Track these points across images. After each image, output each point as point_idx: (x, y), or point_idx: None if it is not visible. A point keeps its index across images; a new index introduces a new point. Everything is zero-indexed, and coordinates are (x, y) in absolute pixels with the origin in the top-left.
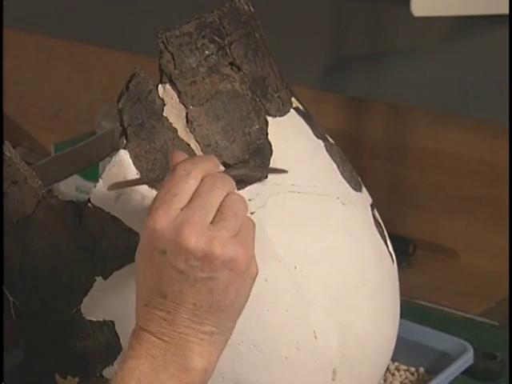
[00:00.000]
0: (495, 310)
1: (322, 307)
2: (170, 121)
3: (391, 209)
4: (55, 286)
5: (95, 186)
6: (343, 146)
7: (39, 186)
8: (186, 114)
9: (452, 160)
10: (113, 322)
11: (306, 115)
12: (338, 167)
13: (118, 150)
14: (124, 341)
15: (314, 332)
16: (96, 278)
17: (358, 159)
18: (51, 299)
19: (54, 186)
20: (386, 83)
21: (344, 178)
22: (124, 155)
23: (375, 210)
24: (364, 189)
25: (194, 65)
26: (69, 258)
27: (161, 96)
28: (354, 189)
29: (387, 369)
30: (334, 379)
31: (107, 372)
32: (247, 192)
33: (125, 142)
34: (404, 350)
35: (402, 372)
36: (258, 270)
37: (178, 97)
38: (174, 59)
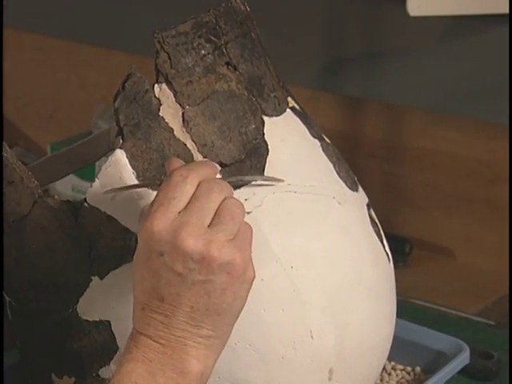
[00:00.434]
0: (491, 310)
1: (319, 307)
2: (167, 120)
3: (388, 208)
4: (51, 286)
5: (91, 186)
6: (340, 146)
7: (35, 186)
8: (183, 113)
9: (449, 160)
10: (109, 322)
11: (302, 115)
12: (335, 167)
13: (114, 149)
14: (120, 341)
15: (311, 331)
16: (92, 277)
17: (355, 159)
18: (47, 299)
19: (51, 185)
20: (382, 83)
21: (340, 177)
22: (120, 155)
23: (371, 210)
24: (360, 188)
25: (190, 64)
26: (65, 257)
27: (157, 96)
28: (351, 188)
29: (384, 368)
30: (330, 379)
31: (103, 372)
32: (244, 192)
33: (121, 141)
34: (400, 350)
35: (398, 371)
36: (255, 273)
37: (175, 96)
38: (170, 59)
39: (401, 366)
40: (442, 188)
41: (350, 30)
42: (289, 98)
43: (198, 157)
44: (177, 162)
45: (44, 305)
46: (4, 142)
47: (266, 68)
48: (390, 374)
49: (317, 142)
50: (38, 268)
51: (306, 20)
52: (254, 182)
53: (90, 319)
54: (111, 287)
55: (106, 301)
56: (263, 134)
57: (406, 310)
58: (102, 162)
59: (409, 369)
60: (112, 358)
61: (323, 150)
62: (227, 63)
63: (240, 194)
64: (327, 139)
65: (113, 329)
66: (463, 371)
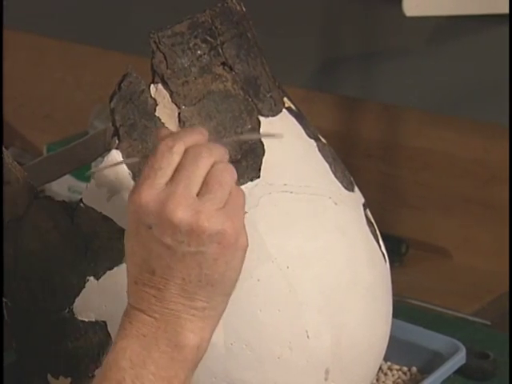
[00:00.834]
0: (488, 310)
1: (315, 307)
2: (163, 121)
3: (384, 208)
4: (47, 287)
5: (87, 186)
6: (336, 146)
7: (31, 187)
8: (179, 113)
9: (445, 160)
10: (105, 322)
11: (298, 115)
12: (331, 167)
13: (110, 150)
14: None
15: (307, 332)
16: (88, 278)
17: (351, 159)
18: (43, 299)
19: (47, 186)
20: (378, 83)
21: (336, 177)
22: (116, 155)
23: (367, 210)
24: (356, 188)
25: (186, 65)
26: (61, 258)
27: (153, 96)
28: (347, 188)
29: (380, 368)
30: (326, 379)
31: (99, 372)
32: None
33: (117, 142)
34: (396, 350)
35: (394, 371)
36: (247, 242)
37: (171, 97)
38: (166, 59)
39: (397, 366)
40: (438, 188)
41: (345, 30)
42: (285, 99)
43: None
44: (165, 132)
45: (40, 305)
46: None
47: (262, 68)
48: (386, 374)
49: (313, 143)
50: (34, 268)
51: (302, 20)
52: (243, 137)
53: (86, 319)
54: (107, 287)
55: (102, 301)
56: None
57: (402, 310)
58: (98, 163)
59: (405, 369)
60: None
61: (319, 151)
62: (223, 63)
63: None
64: (323, 139)
65: (109, 329)
66: (459, 371)
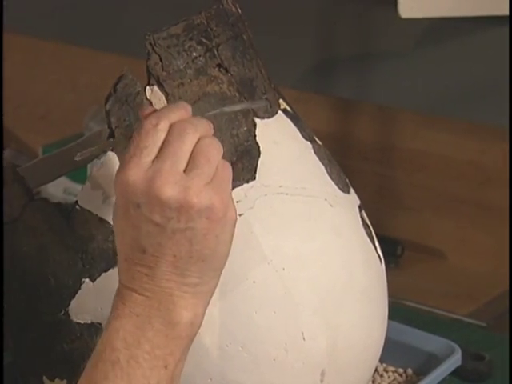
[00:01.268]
0: (483, 311)
1: (311, 309)
2: None
3: (379, 210)
4: (43, 289)
5: (83, 188)
6: (331, 148)
7: (27, 188)
8: None
9: (440, 161)
10: (101, 324)
11: (293, 117)
12: (326, 169)
13: (105, 151)
14: None
15: (303, 333)
16: (84, 280)
17: (347, 161)
18: (39, 301)
19: (42, 187)
20: (373, 85)
21: (332, 179)
22: (112, 157)
23: (363, 212)
24: (352, 190)
25: (181, 67)
26: (56, 259)
27: (149, 98)
28: (342, 190)
29: (375, 370)
30: (322, 380)
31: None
32: (235, 194)
33: None
34: (392, 351)
35: (390, 373)
36: (236, 215)
37: (166, 98)
38: (161, 61)
39: (392, 368)
40: (433, 189)
41: (341, 32)
42: (280, 100)
43: None
44: (148, 109)
45: (35, 307)
46: None
47: (258, 70)
48: (381, 376)
49: (308, 144)
50: (30, 270)
51: (297, 22)
52: (226, 108)
53: (82, 321)
54: (103, 289)
55: (97, 303)
56: (255, 136)
57: (397, 311)
58: (94, 164)
59: (401, 370)
60: None
61: (315, 152)
62: (219, 65)
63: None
64: (319, 141)
65: None
66: (455, 373)
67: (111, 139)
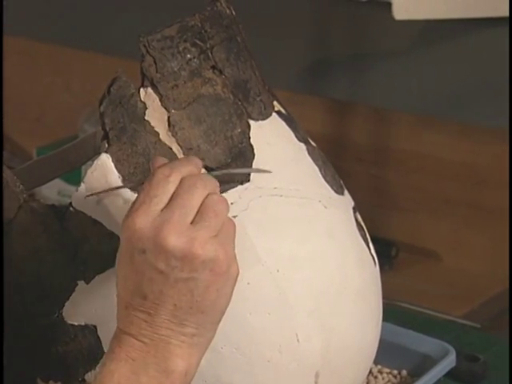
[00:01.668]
0: (477, 312)
1: (305, 310)
2: (152, 124)
3: (374, 211)
4: (37, 290)
5: (77, 190)
6: (325, 149)
7: (21, 190)
8: (168, 117)
9: (435, 163)
10: (95, 326)
11: (288, 118)
12: (320, 170)
13: (99, 153)
14: (106, 345)
15: (297, 335)
16: (78, 281)
17: (341, 162)
18: (33, 303)
19: (36, 189)
20: (368, 86)
21: (326, 181)
22: (106, 159)
23: (357, 213)
24: (346, 192)
25: (175, 68)
26: (50, 261)
27: (143, 100)
28: (336, 192)
29: (370, 372)
30: (316, 382)
31: (89, 376)
32: (229, 195)
33: (107, 145)
34: (387, 353)
35: (384, 375)
36: (238, 270)
37: (160, 100)
38: (155, 63)
39: (387, 370)
40: (427, 191)
41: (335, 34)
42: (274, 102)
43: None
44: (160, 161)
45: (29, 309)
46: None
47: (252, 72)
48: (376, 378)
49: (302, 146)
50: (24, 272)
51: (292, 23)
52: (233, 170)
53: (76, 323)
54: (97, 291)
55: (91, 305)
56: (249, 137)
57: (392, 313)
58: (88, 166)
59: (395, 372)
60: (98, 363)
61: (309, 154)
62: (213, 67)
63: (226, 197)
64: (313, 143)
65: (99, 333)
66: (449, 374)
67: (105, 143)
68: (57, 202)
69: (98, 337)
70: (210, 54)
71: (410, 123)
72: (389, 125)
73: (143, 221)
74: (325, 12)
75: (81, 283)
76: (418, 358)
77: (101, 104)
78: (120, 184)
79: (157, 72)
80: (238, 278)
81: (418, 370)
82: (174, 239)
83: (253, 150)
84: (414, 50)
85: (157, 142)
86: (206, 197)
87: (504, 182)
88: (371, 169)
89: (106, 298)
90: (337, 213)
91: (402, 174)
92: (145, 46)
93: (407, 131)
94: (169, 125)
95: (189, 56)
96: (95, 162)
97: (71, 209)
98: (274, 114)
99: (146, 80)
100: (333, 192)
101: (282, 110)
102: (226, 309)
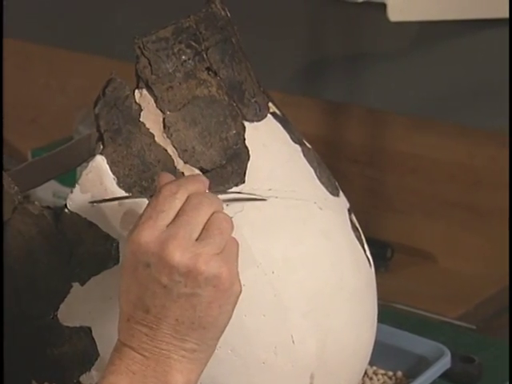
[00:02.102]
0: (473, 314)
1: (300, 312)
2: (147, 126)
3: (369, 213)
4: (32, 292)
5: (72, 192)
6: (321, 151)
7: (16, 192)
8: (163, 119)
9: (430, 164)
10: (90, 328)
11: (283, 120)
12: (315, 172)
13: (94, 155)
14: (101, 347)
15: (292, 336)
16: (73, 283)
17: (336, 164)
18: (28, 305)
19: (31, 191)
20: (363, 88)
21: (321, 182)
22: (101, 161)
23: (352, 215)
24: (341, 193)
25: (170, 70)
26: (45, 263)
27: (137, 101)
28: (332, 193)
29: (365, 373)
30: (311, 383)
31: (84, 378)
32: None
33: (101, 147)
34: (382, 354)
35: (379, 376)
36: (241, 288)
37: (155, 102)
38: (150, 64)
39: (382, 371)
40: (423, 192)
41: (330, 35)
42: (270, 104)
43: (178, 162)
44: (167, 177)
45: (24, 311)
46: None
47: (247, 73)
48: (371, 379)
49: (298, 147)
50: (19, 274)
51: (286, 25)
52: (237, 196)
53: (71, 325)
54: (92, 293)
55: (86, 307)
56: (244, 139)
57: (387, 314)
58: (83, 168)
59: (390, 373)
60: (93, 365)
61: (304, 155)
62: (208, 69)
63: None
64: (308, 144)
65: (94, 335)
66: (444, 375)
67: (100, 145)
68: (52, 204)
69: (93, 339)
70: (204, 56)
71: (405, 124)
72: (384, 126)
73: (149, 235)
74: (319, 13)
75: (76, 285)
76: (414, 359)
77: (96, 106)
78: (115, 186)
79: (152, 73)
80: None
81: (413, 372)
82: (179, 255)
83: (248, 151)
84: (408, 52)
85: (152, 144)
86: (212, 215)
87: (500, 184)
88: (366, 170)
89: (101, 300)
90: (332, 214)
91: (398, 175)
92: (140, 47)
93: (402, 132)
94: (164, 126)
95: (184, 57)
96: (90, 164)
97: (66, 211)
98: (269, 115)
99: (140, 81)
100: (328, 193)
101: (277, 112)
102: (226, 326)
